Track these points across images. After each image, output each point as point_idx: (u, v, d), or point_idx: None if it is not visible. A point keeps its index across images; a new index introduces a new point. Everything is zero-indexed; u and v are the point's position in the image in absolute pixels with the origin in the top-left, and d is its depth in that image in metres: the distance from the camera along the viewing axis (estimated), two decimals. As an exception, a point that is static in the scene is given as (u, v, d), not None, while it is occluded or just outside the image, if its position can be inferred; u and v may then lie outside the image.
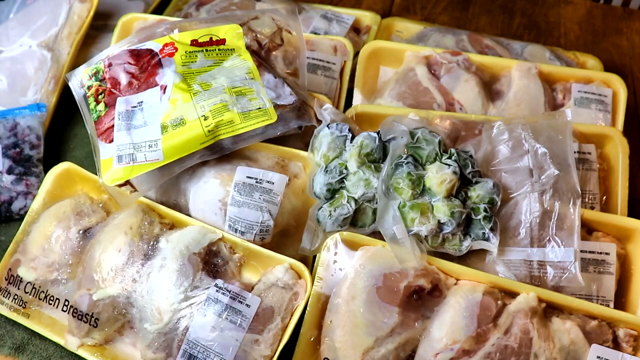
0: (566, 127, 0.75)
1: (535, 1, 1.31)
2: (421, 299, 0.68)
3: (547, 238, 0.71)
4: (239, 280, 0.72)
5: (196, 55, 0.81)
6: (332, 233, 0.72)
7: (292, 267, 0.71)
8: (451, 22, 1.25)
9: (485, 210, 0.70)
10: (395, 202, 0.70)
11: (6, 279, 0.77)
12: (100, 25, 1.10)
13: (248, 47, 0.84)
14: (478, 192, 0.71)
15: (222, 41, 0.84)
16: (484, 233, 0.70)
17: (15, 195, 0.86)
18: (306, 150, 0.80)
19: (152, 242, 0.73)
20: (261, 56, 0.86)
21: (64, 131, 1.01)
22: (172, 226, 0.77)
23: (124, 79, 0.78)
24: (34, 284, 0.76)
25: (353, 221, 0.74)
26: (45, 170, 0.86)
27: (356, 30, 1.11)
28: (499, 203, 0.72)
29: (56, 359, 0.75)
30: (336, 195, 0.75)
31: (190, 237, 0.72)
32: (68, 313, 0.73)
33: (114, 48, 0.82)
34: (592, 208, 0.81)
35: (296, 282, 0.70)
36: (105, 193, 0.79)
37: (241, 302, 0.68)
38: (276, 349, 0.68)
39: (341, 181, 0.75)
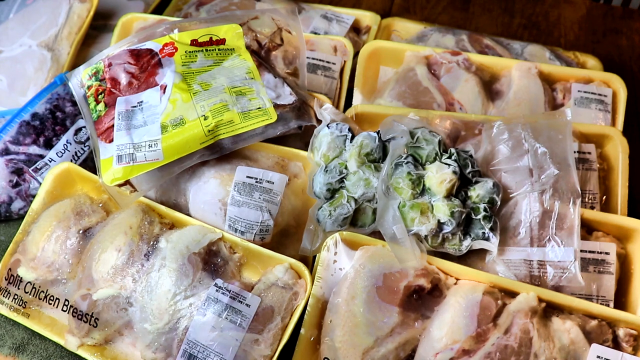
0: (566, 126, 0.75)
1: (535, 1, 1.31)
2: (421, 299, 0.68)
3: (547, 238, 0.71)
4: (238, 280, 0.72)
5: (196, 55, 0.81)
6: (332, 233, 0.72)
7: (292, 267, 0.71)
8: (451, 22, 1.25)
9: (485, 210, 0.70)
10: (395, 202, 0.70)
11: (6, 279, 0.77)
12: (100, 25, 1.10)
13: (248, 47, 0.84)
14: (478, 192, 0.71)
15: (222, 41, 0.84)
16: (484, 233, 0.70)
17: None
18: (306, 150, 0.80)
19: (152, 242, 0.73)
20: (261, 56, 0.86)
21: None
22: (172, 226, 0.77)
23: (124, 79, 0.78)
24: (34, 284, 0.76)
25: (353, 221, 0.74)
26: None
27: (356, 30, 1.11)
28: (499, 203, 0.72)
29: (56, 359, 0.75)
30: (336, 195, 0.75)
31: (190, 237, 0.72)
32: (68, 313, 0.73)
33: (114, 48, 0.82)
34: (592, 208, 0.81)
35: (296, 281, 0.70)
36: (105, 193, 0.79)
37: (241, 302, 0.68)
38: (276, 349, 0.68)
39: (341, 181, 0.75)
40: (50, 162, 0.86)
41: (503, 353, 0.63)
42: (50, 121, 0.87)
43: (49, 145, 0.87)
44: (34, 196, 0.82)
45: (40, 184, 0.83)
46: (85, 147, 0.88)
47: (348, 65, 0.96)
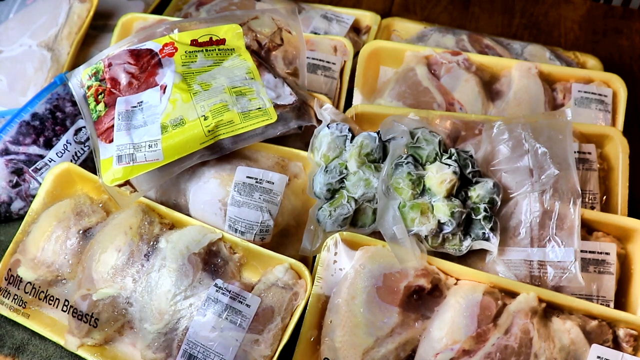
0: (566, 126, 0.75)
1: (535, 1, 1.31)
2: (421, 299, 0.68)
3: (547, 238, 0.71)
4: (239, 280, 0.72)
5: (196, 55, 0.81)
6: (332, 233, 0.72)
7: (292, 267, 0.71)
8: (451, 22, 1.25)
9: (485, 210, 0.70)
10: (395, 202, 0.70)
11: (6, 279, 0.77)
12: (100, 25, 1.10)
13: (248, 47, 0.84)
14: (478, 192, 0.71)
15: (222, 41, 0.84)
16: (484, 233, 0.70)
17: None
18: (306, 150, 0.80)
19: (152, 242, 0.73)
20: (261, 56, 0.86)
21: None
22: (172, 226, 0.77)
23: (123, 79, 0.78)
24: (34, 284, 0.76)
25: (353, 221, 0.74)
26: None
27: (356, 30, 1.11)
28: (499, 203, 0.72)
29: (56, 359, 0.75)
30: (336, 195, 0.75)
31: (190, 237, 0.72)
32: (68, 313, 0.73)
33: (114, 48, 0.82)
34: (592, 208, 0.81)
35: (296, 282, 0.70)
36: (105, 193, 0.79)
37: (241, 302, 0.68)
38: (276, 349, 0.67)
39: (341, 181, 0.75)
40: (50, 162, 0.86)
41: (503, 353, 0.63)
42: (50, 121, 0.87)
43: (48, 145, 0.86)
44: (33, 196, 0.82)
45: (40, 184, 0.83)
46: (85, 147, 0.88)
47: (348, 65, 0.96)
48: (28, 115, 0.87)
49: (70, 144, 0.87)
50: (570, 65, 1.03)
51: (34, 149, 0.86)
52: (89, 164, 0.87)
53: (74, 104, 0.88)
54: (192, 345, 0.67)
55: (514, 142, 0.75)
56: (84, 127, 0.88)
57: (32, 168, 0.86)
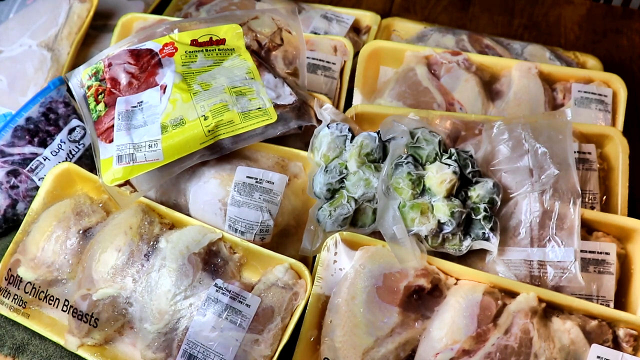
0: (566, 126, 0.75)
1: (535, 1, 1.31)
2: (421, 299, 0.68)
3: (547, 238, 0.71)
4: (239, 280, 0.72)
5: (196, 55, 0.81)
6: (332, 233, 0.72)
7: (292, 267, 0.71)
8: (451, 22, 1.25)
9: (485, 210, 0.70)
10: (395, 202, 0.70)
11: (6, 279, 0.77)
12: (100, 25, 1.10)
13: (248, 47, 0.84)
14: (478, 192, 0.71)
15: (222, 41, 0.84)
16: (484, 233, 0.70)
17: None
18: (306, 150, 0.80)
19: (152, 242, 0.73)
20: (261, 56, 0.86)
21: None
22: (172, 226, 0.77)
23: (124, 79, 0.78)
24: (34, 284, 0.76)
25: (353, 221, 0.74)
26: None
27: (356, 30, 1.11)
28: (499, 203, 0.72)
29: (56, 359, 0.75)
30: (336, 195, 0.75)
31: (190, 237, 0.72)
32: (68, 313, 0.73)
33: (114, 48, 0.82)
34: (592, 208, 0.81)
35: (296, 282, 0.70)
36: (105, 193, 0.79)
37: (241, 302, 0.68)
38: (276, 349, 0.68)
39: (341, 181, 0.75)
40: (45, 160, 0.86)
41: (503, 353, 0.63)
42: (44, 123, 0.88)
43: (43, 145, 0.87)
44: (31, 196, 0.82)
45: (37, 183, 0.83)
46: (79, 145, 0.88)
47: (348, 65, 0.96)
48: (22, 120, 0.88)
49: (65, 143, 0.87)
50: (570, 65, 1.03)
51: (29, 149, 0.86)
52: (85, 161, 0.87)
53: (67, 105, 0.88)
54: (192, 345, 0.67)
55: (514, 142, 0.75)
56: (78, 126, 0.88)
57: (27, 168, 0.86)
